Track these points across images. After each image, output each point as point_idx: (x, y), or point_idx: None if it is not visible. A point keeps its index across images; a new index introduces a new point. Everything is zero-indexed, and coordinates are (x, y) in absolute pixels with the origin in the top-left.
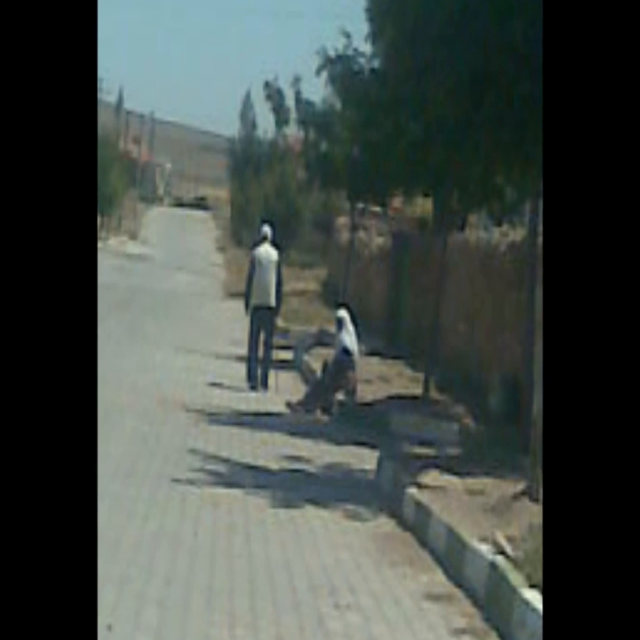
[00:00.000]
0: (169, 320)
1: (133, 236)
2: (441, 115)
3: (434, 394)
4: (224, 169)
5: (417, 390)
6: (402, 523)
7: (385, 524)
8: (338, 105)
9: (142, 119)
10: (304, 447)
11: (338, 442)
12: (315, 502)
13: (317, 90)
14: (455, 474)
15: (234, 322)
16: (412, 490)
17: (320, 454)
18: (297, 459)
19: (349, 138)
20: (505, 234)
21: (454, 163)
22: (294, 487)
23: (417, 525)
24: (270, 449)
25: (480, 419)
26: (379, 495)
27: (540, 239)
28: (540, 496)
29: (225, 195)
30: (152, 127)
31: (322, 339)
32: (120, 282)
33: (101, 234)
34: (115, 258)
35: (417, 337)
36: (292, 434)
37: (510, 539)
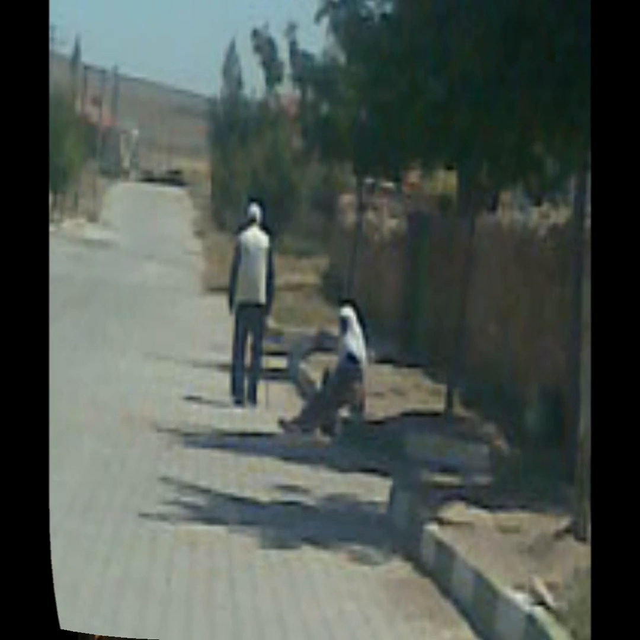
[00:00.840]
0: (136, 320)
1: (92, 218)
2: (467, 71)
3: (458, 410)
4: (203, 137)
5: (439, 406)
6: (420, 567)
7: (399, 568)
8: (342, 59)
9: (103, 76)
10: (300, 474)
11: (342, 469)
12: (314, 541)
13: (317, 40)
14: (485, 507)
15: (216, 323)
16: (433, 528)
17: (321, 483)
18: (292, 489)
19: (356, 98)
20: (545, 215)
21: (482, 128)
22: (288, 524)
23: (439, 570)
24: (259, 477)
25: (515, 441)
26: (392, 534)
27: (587, 222)
28: (588, 534)
29: (205, 168)
30: (116, 85)
31: (323, 343)
32: (77, 273)
33: (54, 215)
34: (71, 244)
35: (438, 340)
36: (286, 458)
37: (551, 587)
